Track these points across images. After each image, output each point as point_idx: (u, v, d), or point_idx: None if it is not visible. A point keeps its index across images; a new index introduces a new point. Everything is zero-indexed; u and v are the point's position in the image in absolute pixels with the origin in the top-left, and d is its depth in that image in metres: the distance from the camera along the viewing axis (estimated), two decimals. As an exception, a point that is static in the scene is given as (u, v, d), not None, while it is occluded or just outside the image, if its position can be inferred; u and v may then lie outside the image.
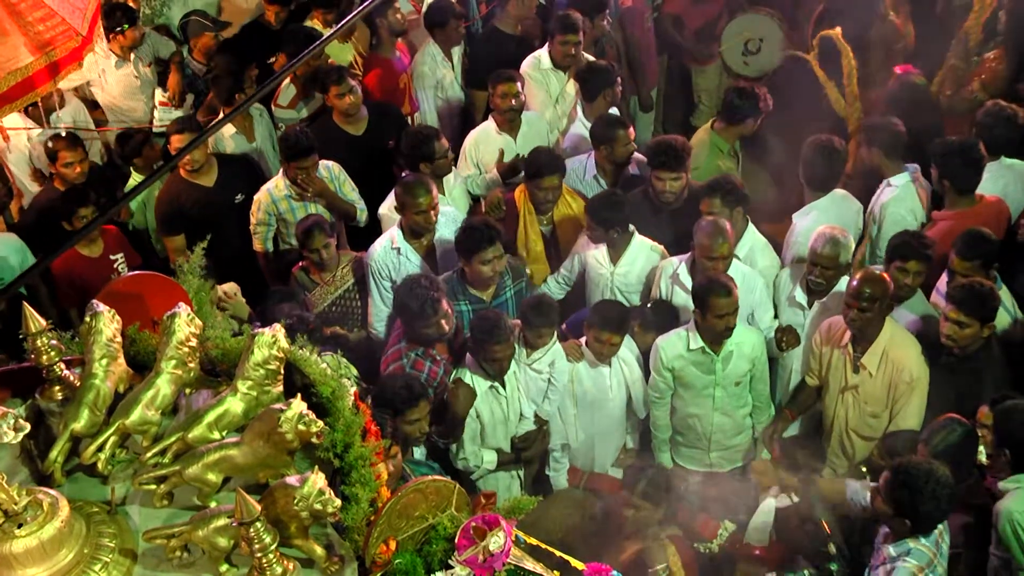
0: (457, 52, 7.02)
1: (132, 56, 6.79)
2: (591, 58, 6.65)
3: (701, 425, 5.14)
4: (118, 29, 6.44)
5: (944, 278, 4.98)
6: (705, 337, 4.86)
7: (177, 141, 5.97)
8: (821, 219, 5.28)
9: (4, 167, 6.16)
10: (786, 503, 4.53)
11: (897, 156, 5.61)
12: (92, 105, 7.02)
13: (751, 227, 5.40)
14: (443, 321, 4.64)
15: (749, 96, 5.97)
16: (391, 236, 5.32)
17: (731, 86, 6.47)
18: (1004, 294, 4.89)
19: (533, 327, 4.80)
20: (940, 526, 3.89)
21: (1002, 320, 4.81)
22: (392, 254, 5.27)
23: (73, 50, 4.35)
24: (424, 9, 6.99)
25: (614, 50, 7.14)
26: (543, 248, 5.74)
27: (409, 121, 6.82)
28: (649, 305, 5.39)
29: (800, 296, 5.18)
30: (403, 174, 5.63)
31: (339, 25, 3.74)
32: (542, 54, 6.52)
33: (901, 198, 5.49)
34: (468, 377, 4.77)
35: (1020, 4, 6.23)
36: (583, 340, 5.05)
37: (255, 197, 5.90)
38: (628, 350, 5.13)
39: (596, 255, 5.42)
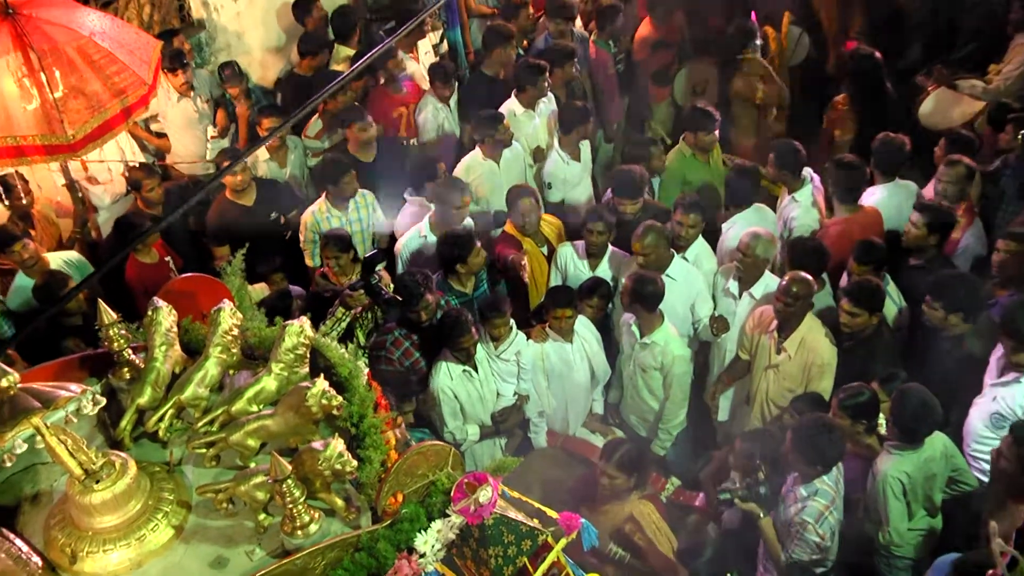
0: (453, 96, 6.94)
1: (192, 93, 6.78)
2: (552, 96, 6.62)
3: (620, 382, 5.27)
4: (167, 67, 6.43)
5: (845, 276, 5.04)
6: (637, 320, 4.93)
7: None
8: (744, 226, 5.33)
9: (82, 190, 6.12)
10: None
11: (799, 173, 5.60)
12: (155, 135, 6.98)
13: (699, 237, 5.43)
14: (423, 312, 4.70)
15: (702, 110, 6.04)
16: (419, 228, 5.53)
17: (690, 105, 6.44)
18: (891, 288, 4.96)
19: (487, 319, 4.75)
20: (836, 470, 3.99)
21: (889, 310, 4.89)
22: (420, 240, 5.47)
23: (142, 96, 4.43)
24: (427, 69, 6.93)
25: (581, 91, 7.17)
26: (547, 267, 5.73)
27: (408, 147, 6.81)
28: None
29: (733, 287, 5.22)
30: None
31: (354, 67, 3.70)
32: (514, 104, 6.43)
33: (806, 212, 5.53)
34: (445, 366, 4.73)
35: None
36: (547, 325, 5.07)
37: (301, 218, 5.89)
38: (588, 330, 5.13)
39: (576, 262, 5.45)
